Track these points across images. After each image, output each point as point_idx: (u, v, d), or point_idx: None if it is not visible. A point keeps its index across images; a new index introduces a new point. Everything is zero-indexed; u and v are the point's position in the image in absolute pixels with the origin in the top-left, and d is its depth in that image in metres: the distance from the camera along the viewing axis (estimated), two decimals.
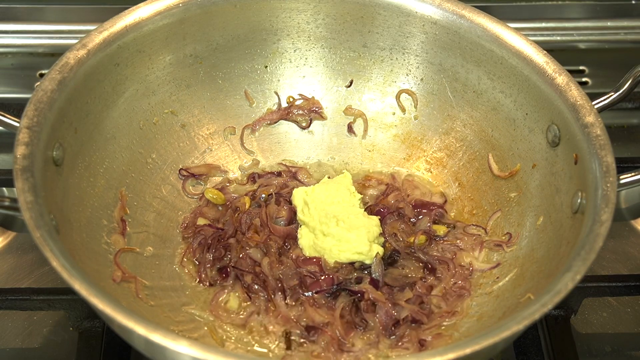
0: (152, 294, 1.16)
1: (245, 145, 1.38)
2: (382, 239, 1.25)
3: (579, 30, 1.74)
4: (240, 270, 1.20)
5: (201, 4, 1.28)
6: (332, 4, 1.34)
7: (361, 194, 1.30)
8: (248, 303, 1.18)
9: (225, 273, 1.21)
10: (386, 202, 1.31)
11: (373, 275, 1.20)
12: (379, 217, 1.26)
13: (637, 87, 1.24)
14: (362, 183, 1.35)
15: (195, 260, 1.23)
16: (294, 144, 1.40)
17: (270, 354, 1.12)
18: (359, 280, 1.19)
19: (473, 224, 1.28)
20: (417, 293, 1.19)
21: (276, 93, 1.40)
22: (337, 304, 1.16)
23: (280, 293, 1.17)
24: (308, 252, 1.22)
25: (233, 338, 1.14)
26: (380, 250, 1.22)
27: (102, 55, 1.19)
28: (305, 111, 1.40)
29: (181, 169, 1.32)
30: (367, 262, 1.21)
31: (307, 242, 1.23)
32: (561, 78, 1.19)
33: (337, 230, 1.21)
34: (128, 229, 1.22)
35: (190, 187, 1.32)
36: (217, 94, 1.37)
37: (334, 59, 1.39)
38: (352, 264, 1.21)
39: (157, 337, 0.88)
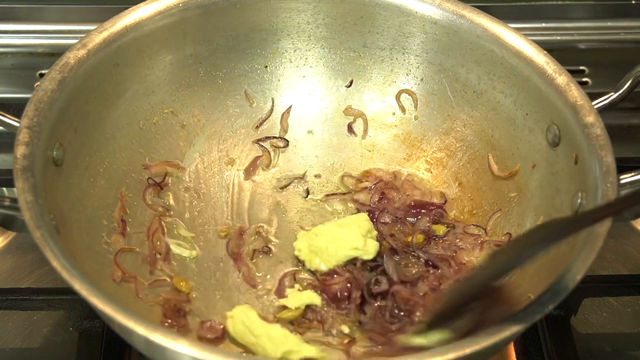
0: (151, 294, 1.16)
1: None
2: (375, 232, 1.24)
3: (579, 30, 1.74)
4: None
5: (201, 4, 1.28)
6: (332, 4, 1.34)
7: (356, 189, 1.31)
8: None
9: None
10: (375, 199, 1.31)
11: (390, 274, 1.19)
12: (369, 214, 1.27)
13: (637, 87, 1.24)
14: (359, 179, 1.35)
15: None
16: (293, 144, 1.40)
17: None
18: (377, 283, 1.19)
19: (473, 224, 1.28)
20: (432, 286, 1.18)
21: (272, 99, 1.39)
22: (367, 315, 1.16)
23: None
24: (305, 255, 1.22)
25: None
26: (376, 244, 1.22)
27: (102, 55, 1.19)
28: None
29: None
30: (365, 257, 1.21)
31: (303, 244, 1.22)
32: (561, 78, 1.19)
33: (329, 227, 1.20)
34: (128, 229, 1.22)
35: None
36: (217, 94, 1.37)
37: (334, 59, 1.39)
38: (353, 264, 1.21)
39: (157, 337, 0.88)
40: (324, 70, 1.40)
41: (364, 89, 1.41)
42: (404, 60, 1.37)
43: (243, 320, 1.12)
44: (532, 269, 1.15)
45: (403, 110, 1.39)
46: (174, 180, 1.31)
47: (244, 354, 1.09)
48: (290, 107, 1.40)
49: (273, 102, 1.40)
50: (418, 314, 1.14)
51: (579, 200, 1.10)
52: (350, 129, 1.41)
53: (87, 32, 1.20)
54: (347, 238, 1.20)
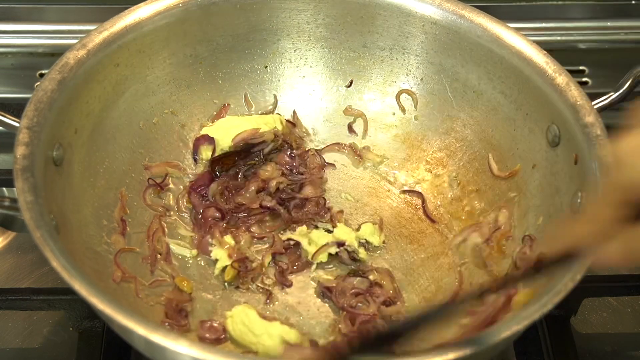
0: (152, 294, 1.16)
1: None
2: None
3: (579, 30, 1.74)
4: None
5: (201, 4, 1.28)
6: (332, 4, 1.34)
7: None
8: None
9: None
10: None
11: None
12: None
13: (637, 87, 1.24)
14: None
15: None
16: None
17: None
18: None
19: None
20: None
21: (275, 96, 1.39)
22: None
23: None
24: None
25: None
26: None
27: (102, 55, 1.19)
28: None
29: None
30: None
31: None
32: (561, 78, 1.19)
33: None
34: (128, 229, 1.22)
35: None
36: (217, 94, 1.37)
37: (334, 59, 1.39)
38: None
39: (157, 337, 0.88)
40: (324, 70, 1.40)
41: (364, 89, 1.41)
42: (404, 60, 1.37)
43: (243, 319, 1.12)
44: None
45: (403, 110, 1.39)
46: (175, 180, 1.31)
47: (244, 354, 1.09)
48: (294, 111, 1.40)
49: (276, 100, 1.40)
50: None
51: (579, 200, 1.10)
52: (350, 129, 1.41)
53: (87, 32, 1.20)
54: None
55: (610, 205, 0.73)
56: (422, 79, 1.37)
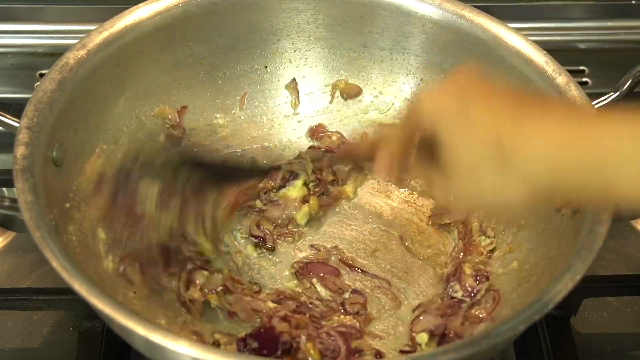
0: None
1: None
2: None
3: (579, 30, 1.74)
4: None
5: (201, 4, 1.28)
6: (332, 4, 1.34)
7: None
8: None
9: None
10: None
11: None
12: None
13: (637, 87, 1.24)
14: None
15: None
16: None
17: None
18: None
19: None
20: None
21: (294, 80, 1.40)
22: None
23: None
24: None
25: None
26: None
27: (102, 55, 1.19)
28: None
29: None
30: None
31: None
32: (561, 78, 1.19)
33: None
34: None
35: None
36: (217, 94, 1.37)
37: (334, 59, 1.39)
38: None
39: (157, 337, 0.88)
40: (324, 70, 1.40)
41: (363, 89, 1.41)
42: (404, 60, 1.37)
43: None
44: (532, 269, 1.15)
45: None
46: None
47: (244, 354, 1.09)
48: None
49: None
50: None
51: None
52: None
53: (87, 32, 1.20)
54: None
55: (404, 135, 0.91)
56: (422, 79, 1.37)
